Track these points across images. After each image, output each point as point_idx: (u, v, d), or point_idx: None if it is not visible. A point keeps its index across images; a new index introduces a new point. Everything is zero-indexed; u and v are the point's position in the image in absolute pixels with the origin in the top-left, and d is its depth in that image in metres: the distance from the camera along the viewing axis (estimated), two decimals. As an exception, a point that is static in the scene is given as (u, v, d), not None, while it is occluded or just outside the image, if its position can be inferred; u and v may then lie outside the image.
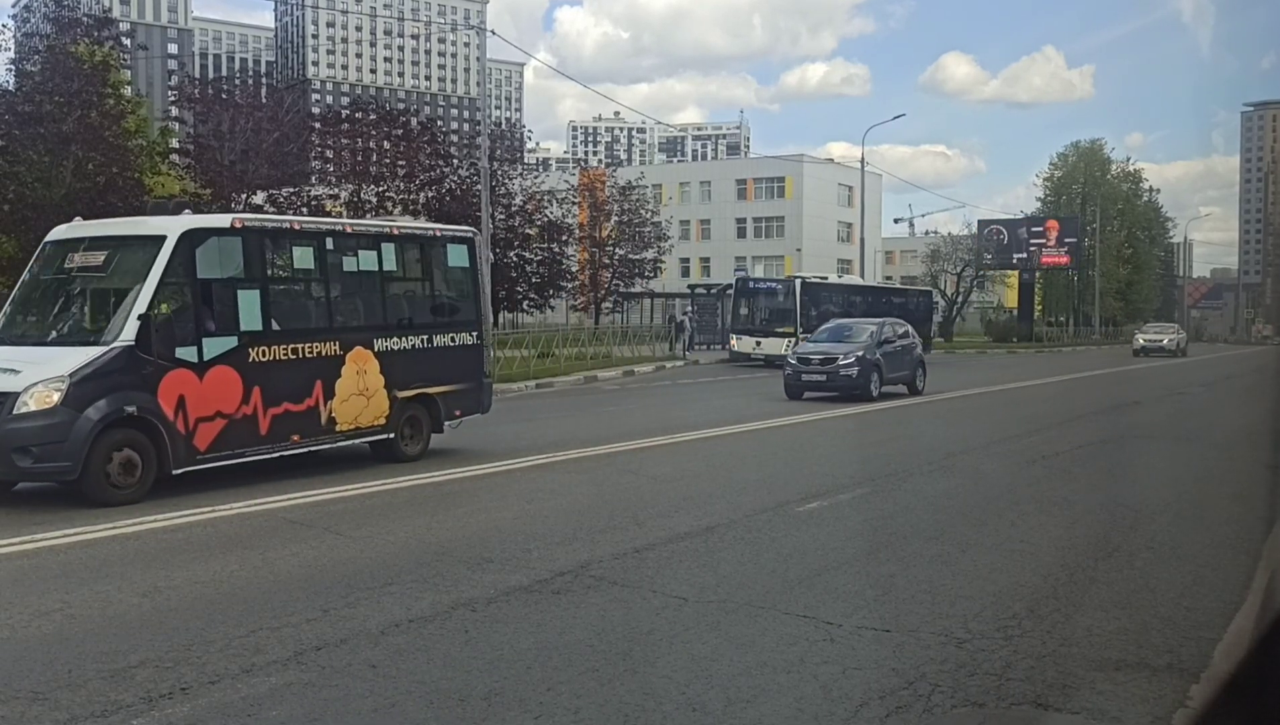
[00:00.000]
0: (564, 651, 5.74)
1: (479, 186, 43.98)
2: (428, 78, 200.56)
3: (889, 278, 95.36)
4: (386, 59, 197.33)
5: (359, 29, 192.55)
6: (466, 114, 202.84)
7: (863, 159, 52.66)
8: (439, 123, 48.53)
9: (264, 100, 35.45)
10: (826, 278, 40.69)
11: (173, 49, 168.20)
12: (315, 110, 41.24)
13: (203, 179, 34.09)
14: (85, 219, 28.88)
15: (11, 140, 29.84)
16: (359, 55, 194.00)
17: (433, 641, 5.87)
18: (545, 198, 46.30)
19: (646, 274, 52.06)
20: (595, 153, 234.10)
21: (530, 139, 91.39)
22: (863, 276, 50.17)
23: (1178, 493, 11.61)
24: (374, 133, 39.66)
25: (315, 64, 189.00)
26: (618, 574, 7.41)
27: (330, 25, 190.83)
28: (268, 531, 8.66)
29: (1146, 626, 6.40)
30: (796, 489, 11.12)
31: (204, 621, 6.15)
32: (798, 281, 36.10)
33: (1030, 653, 5.84)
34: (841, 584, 7.38)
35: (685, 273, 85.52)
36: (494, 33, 48.91)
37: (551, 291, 46.04)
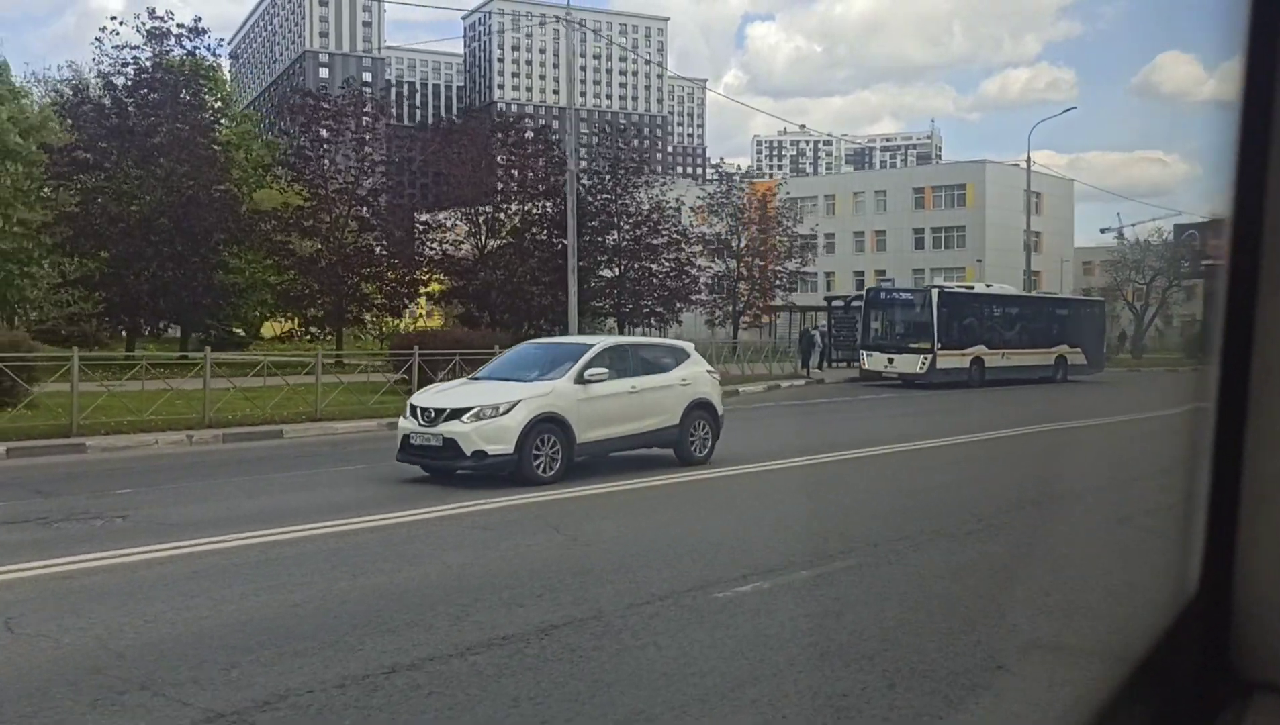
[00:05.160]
0: None
1: (603, 196, 42.18)
2: (609, 96, 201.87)
3: (1087, 290, 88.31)
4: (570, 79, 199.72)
5: (543, 51, 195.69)
6: (647, 130, 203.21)
7: (1029, 160, 48.10)
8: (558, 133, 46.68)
9: (366, 110, 34.26)
10: (973, 287, 36.52)
11: (367, 76, 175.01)
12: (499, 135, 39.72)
13: (308, 191, 33.22)
14: (171, 231, 28.84)
15: (100, 154, 29.61)
16: (542, 77, 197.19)
17: None
18: (674, 207, 43.71)
19: (789, 286, 48.78)
20: (780, 166, 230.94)
21: (657, 147, 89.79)
22: (1033, 288, 45.56)
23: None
24: (491, 142, 38.19)
25: (501, 86, 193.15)
26: (321, 712, 4.86)
27: (515, 49, 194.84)
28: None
29: None
30: (744, 561, 8.22)
31: None
32: (934, 291, 32.26)
33: None
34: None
35: (860, 286, 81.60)
36: (649, 60, 46.70)
37: (680, 305, 43.42)
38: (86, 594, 7.13)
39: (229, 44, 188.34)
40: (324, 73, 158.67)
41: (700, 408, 13.74)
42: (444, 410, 11.92)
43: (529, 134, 39.22)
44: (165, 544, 8.46)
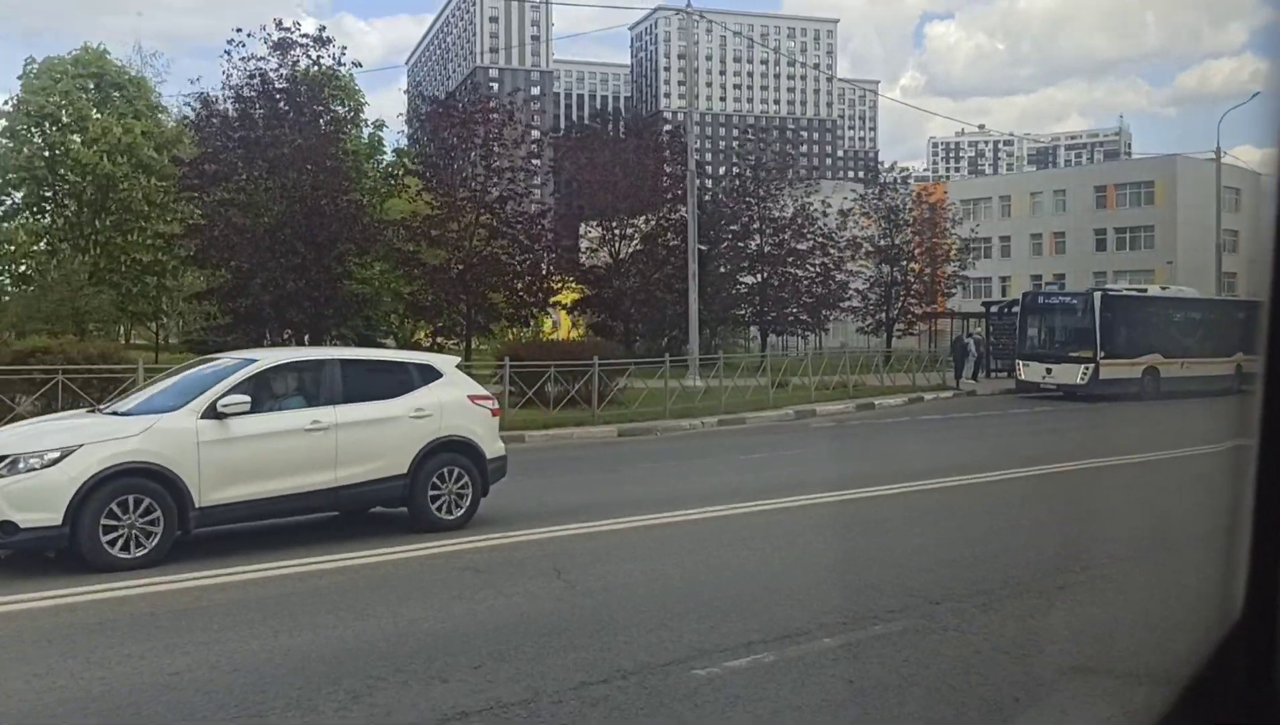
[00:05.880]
0: None
1: (745, 199, 40.69)
2: (776, 101, 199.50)
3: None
4: (736, 85, 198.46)
5: (709, 58, 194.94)
6: (816, 135, 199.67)
7: (1218, 153, 43.81)
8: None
9: (492, 115, 33.72)
10: (1145, 289, 33.25)
11: (535, 90, 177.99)
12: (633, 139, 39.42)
13: (440, 199, 32.94)
14: (294, 241, 28.92)
15: (228, 166, 29.97)
16: (709, 84, 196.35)
17: None
18: (821, 211, 41.65)
19: (948, 291, 45.99)
20: (957, 168, 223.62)
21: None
22: (1228, 291, 41.57)
23: None
24: (624, 147, 37.25)
25: (667, 95, 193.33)
26: None
27: (681, 57, 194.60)
28: None
29: None
30: (762, 622, 6.73)
31: None
32: (1097, 294, 29.30)
33: None
34: None
35: (1037, 290, 77.17)
36: (816, 64, 45.06)
37: (827, 312, 41.36)
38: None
39: (407, 62, 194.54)
40: (494, 87, 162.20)
41: (451, 449, 9.88)
42: None
43: (663, 137, 38.02)
44: (78, 589, 7.48)
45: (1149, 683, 5.08)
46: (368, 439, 9.41)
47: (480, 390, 10.86)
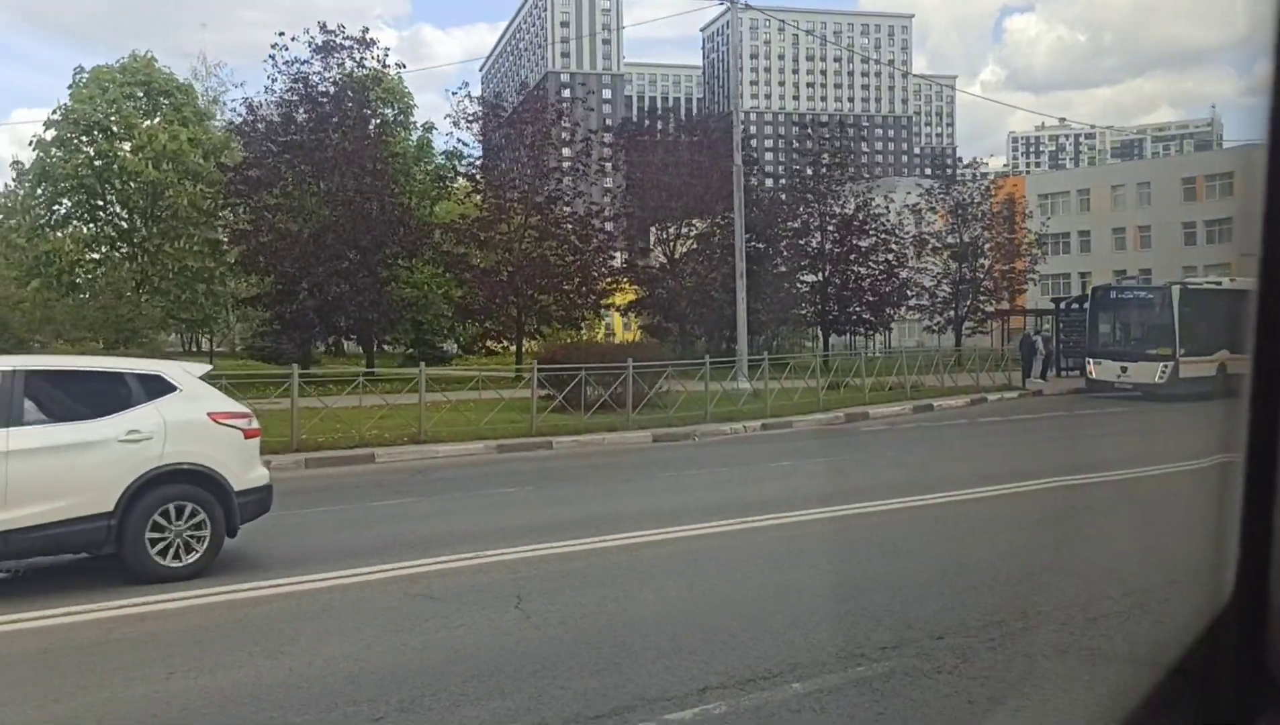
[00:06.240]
0: None
1: (805, 195, 39.59)
2: (851, 99, 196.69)
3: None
4: (809, 84, 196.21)
5: (781, 57, 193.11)
6: (891, 133, 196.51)
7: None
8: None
9: (542, 114, 33.02)
10: (1221, 282, 31.37)
11: (607, 94, 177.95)
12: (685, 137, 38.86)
13: (491, 201, 32.43)
14: (339, 246, 28.45)
15: (272, 171, 29.76)
16: (781, 84, 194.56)
17: None
18: (883, 207, 40.25)
19: (1019, 287, 44.20)
20: (1039, 163, 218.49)
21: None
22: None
23: None
24: (677, 145, 36.44)
25: (740, 95, 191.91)
26: None
27: (754, 57, 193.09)
28: None
29: None
30: (728, 662, 5.87)
31: None
32: (1175, 288, 27.64)
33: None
34: None
35: (1120, 285, 74.50)
36: (891, 60, 43.70)
37: (891, 311, 39.95)
38: None
39: (481, 69, 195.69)
40: (565, 92, 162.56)
41: (180, 480, 7.96)
42: None
43: (716, 135, 37.07)
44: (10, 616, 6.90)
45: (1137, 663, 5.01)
46: (53, 469, 7.45)
47: (231, 407, 8.79)
